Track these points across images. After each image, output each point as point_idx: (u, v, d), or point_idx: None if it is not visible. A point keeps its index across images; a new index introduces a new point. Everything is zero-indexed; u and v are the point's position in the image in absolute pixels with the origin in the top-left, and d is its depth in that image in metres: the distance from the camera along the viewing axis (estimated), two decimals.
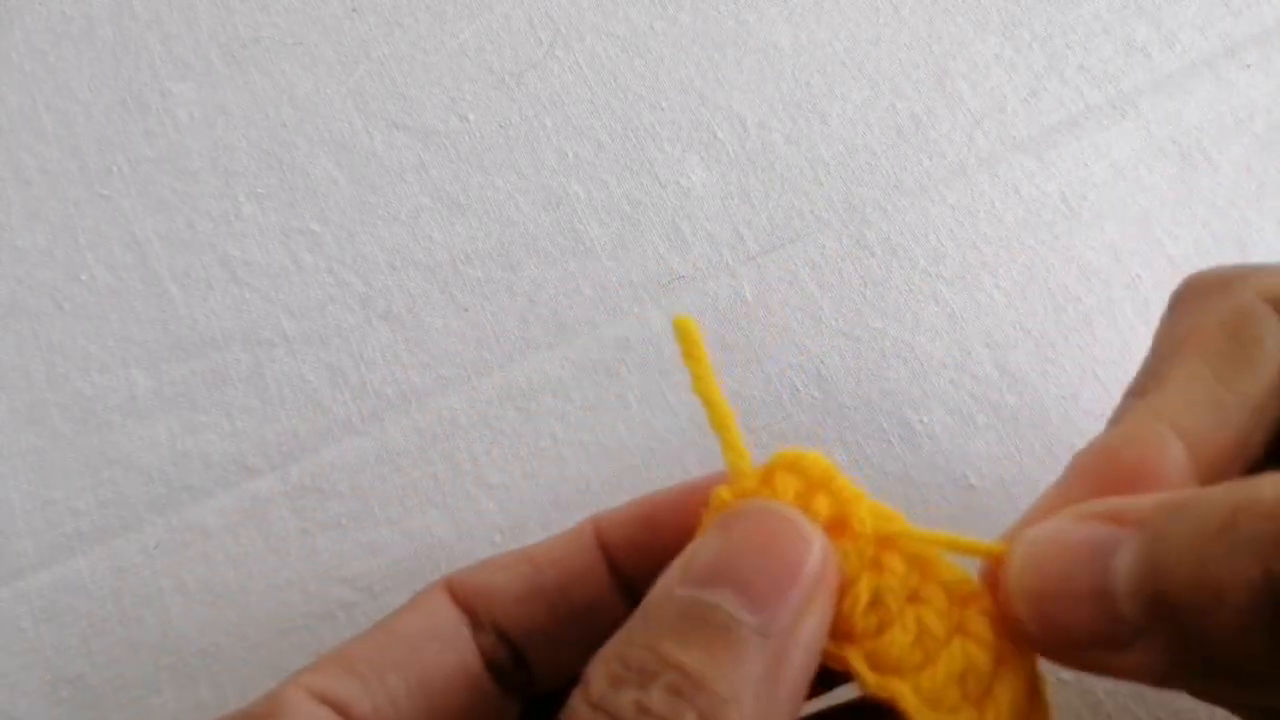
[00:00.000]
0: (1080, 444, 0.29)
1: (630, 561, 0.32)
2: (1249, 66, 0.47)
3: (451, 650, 0.30)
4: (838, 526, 0.28)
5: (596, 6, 0.50)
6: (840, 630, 0.28)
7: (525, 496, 0.42)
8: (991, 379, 0.42)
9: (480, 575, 0.32)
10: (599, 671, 0.25)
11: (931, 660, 0.28)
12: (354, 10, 0.50)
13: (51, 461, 0.43)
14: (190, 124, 0.48)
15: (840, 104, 0.47)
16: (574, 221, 0.46)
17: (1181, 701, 0.37)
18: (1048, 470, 0.40)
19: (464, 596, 0.32)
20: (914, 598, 0.28)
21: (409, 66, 0.49)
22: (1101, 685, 0.37)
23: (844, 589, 0.28)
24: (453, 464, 0.42)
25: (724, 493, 0.29)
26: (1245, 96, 0.46)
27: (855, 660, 0.28)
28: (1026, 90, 0.47)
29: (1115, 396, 0.31)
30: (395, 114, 0.48)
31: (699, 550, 0.27)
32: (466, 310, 0.45)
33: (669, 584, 0.26)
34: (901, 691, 0.27)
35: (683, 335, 0.30)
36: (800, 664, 0.25)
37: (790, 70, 0.48)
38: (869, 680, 0.27)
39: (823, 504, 0.28)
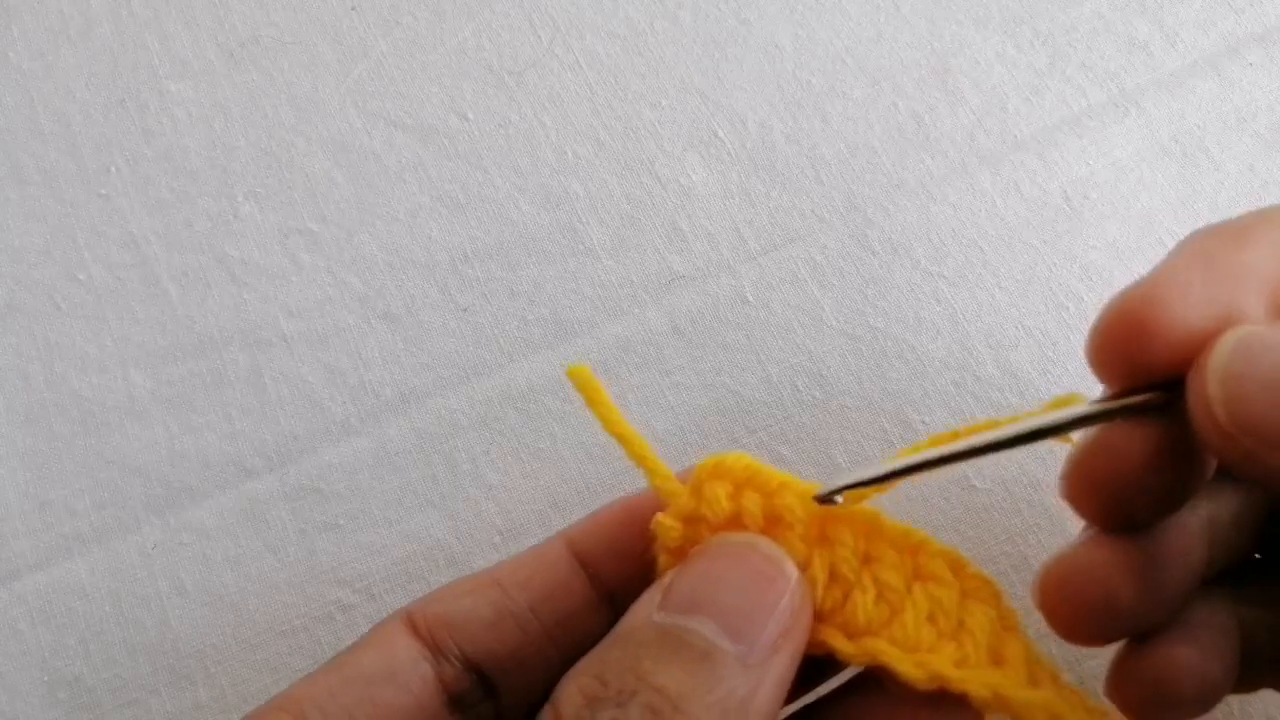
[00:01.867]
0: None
1: (614, 570, 0.32)
2: (1252, 65, 0.46)
3: (407, 690, 0.30)
4: (776, 519, 0.29)
5: (596, 5, 0.49)
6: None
7: (525, 497, 0.41)
8: (993, 379, 0.42)
9: (443, 604, 0.32)
10: (570, 692, 0.25)
11: (898, 611, 0.29)
12: (353, 9, 0.50)
13: (49, 462, 0.43)
14: (188, 123, 0.48)
15: (841, 102, 0.47)
16: (574, 221, 0.46)
17: None
18: (1050, 470, 0.40)
19: (426, 628, 0.31)
20: (866, 560, 0.29)
21: (408, 65, 0.49)
22: (1098, 681, 0.37)
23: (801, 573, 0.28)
24: (452, 465, 0.42)
25: (664, 519, 0.29)
26: (1248, 95, 0.46)
27: (829, 637, 0.28)
28: (1028, 88, 0.47)
29: None
30: (394, 113, 0.48)
31: (679, 579, 0.27)
32: (466, 310, 0.44)
33: (646, 609, 0.27)
34: (878, 647, 0.28)
35: (581, 384, 0.31)
36: (773, 694, 0.26)
37: (791, 69, 0.48)
38: (847, 649, 0.28)
39: (753, 501, 0.29)
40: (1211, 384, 0.24)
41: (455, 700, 0.31)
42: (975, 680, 0.27)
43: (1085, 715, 0.28)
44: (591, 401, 0.31)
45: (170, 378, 0.44)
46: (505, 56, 0.49)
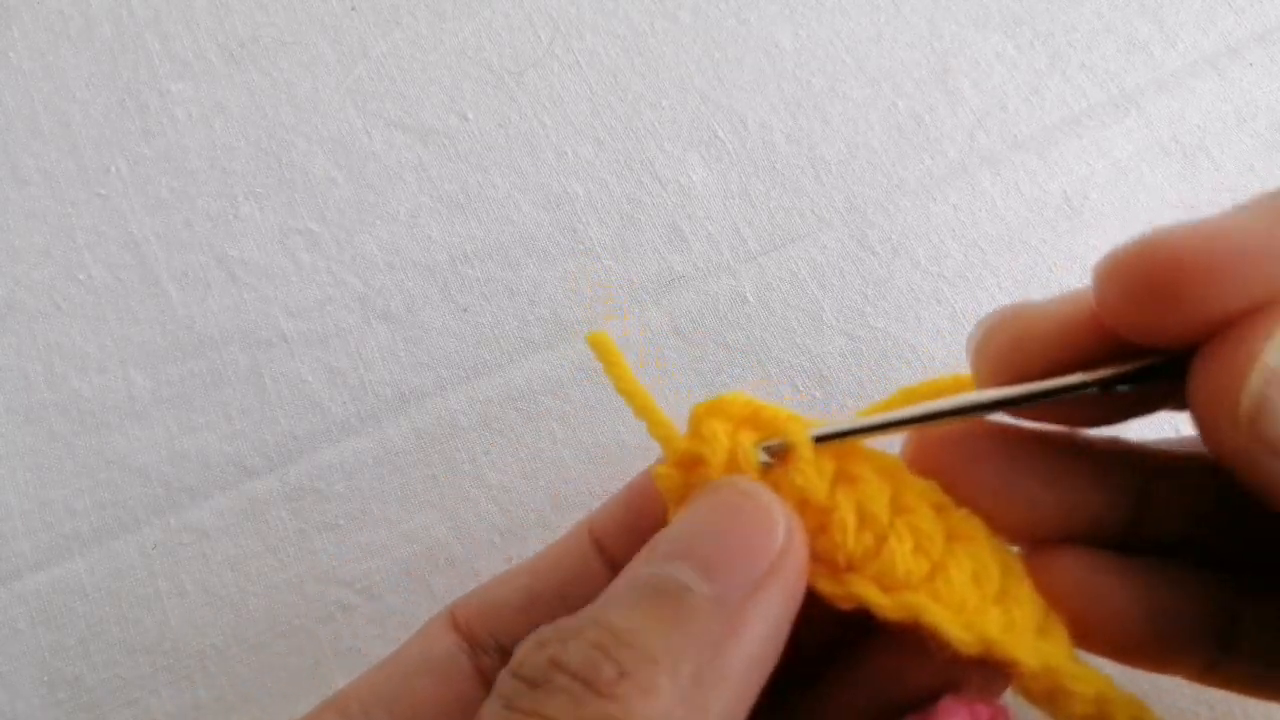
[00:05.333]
0: None
1: (626, 549, 0.31)
2: (1252, 65, 0.46)
3: (445, 681, 0.30)
4: (784, 458, 0.27)
5: (597, 5, 0.49)
6: (838, 564, 0.26)
7: (525, 497, 0.41)
8: None
9: (480, 596, 0.32)
10: (524, 642, 0.25)
11: (941, 566, 0.26)
12: (353, 9, 0.50)
13: (49, 462, 0.43)
14: (188, 123, 0.48)
15: (841, 103, 0.47)
16: (574, 221, 0.46)
17: (1180, 693, 0.37)
18: None
19: (465, 619, 0.32)
20: (897, 507, 0.27)
21: (408, 65, 0.49)
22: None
23: (825, 517, 0.26)
24: (452, 465, 0.42)
25: (660, 468, 0.28)
26: (1248, 95, 0.46)
27: (863, 588, 0.26)
28: (1028, 88, 0.47)
29: None
30: (394, 113, 0.48)
31: (664, 531, 0.26)
32: (466, 310, 0.44)
33: (634, 565, 0.26)
34: (921, 603, 0.25)
35: (600, 350, 0.30)
36: (757, 640, 0.24)
37: (791, 69, 0.48)
38: (882, 604, 0.25)
39: (751, 439, 0.27)
40: (1255, 380, 0.21)
41: None
42: (1026, 648, 0.25)
43: (1124, 700, 0.26)
44: (609, 365, 0.30)
45: (170, 378, 0.44)
46: (505, 56, 0.49)
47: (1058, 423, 0.28)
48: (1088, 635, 0.27)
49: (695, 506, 0.27)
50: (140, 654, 0.40)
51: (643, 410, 0.29)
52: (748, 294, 0.44)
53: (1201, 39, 0.47)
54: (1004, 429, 0.28)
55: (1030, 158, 0.45)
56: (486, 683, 0.31)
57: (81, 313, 0.45)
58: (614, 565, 0.32)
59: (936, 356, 0.42)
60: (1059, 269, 0.43)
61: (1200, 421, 0.23)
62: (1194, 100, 0.46)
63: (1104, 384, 0.25)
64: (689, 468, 0.28)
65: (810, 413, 0.42)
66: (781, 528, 0.25)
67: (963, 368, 0.43)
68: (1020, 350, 0.26)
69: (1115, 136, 0.46)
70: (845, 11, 0.49)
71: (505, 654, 0.31)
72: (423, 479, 0.42)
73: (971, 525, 0.27)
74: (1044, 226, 0.44)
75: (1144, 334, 0.24)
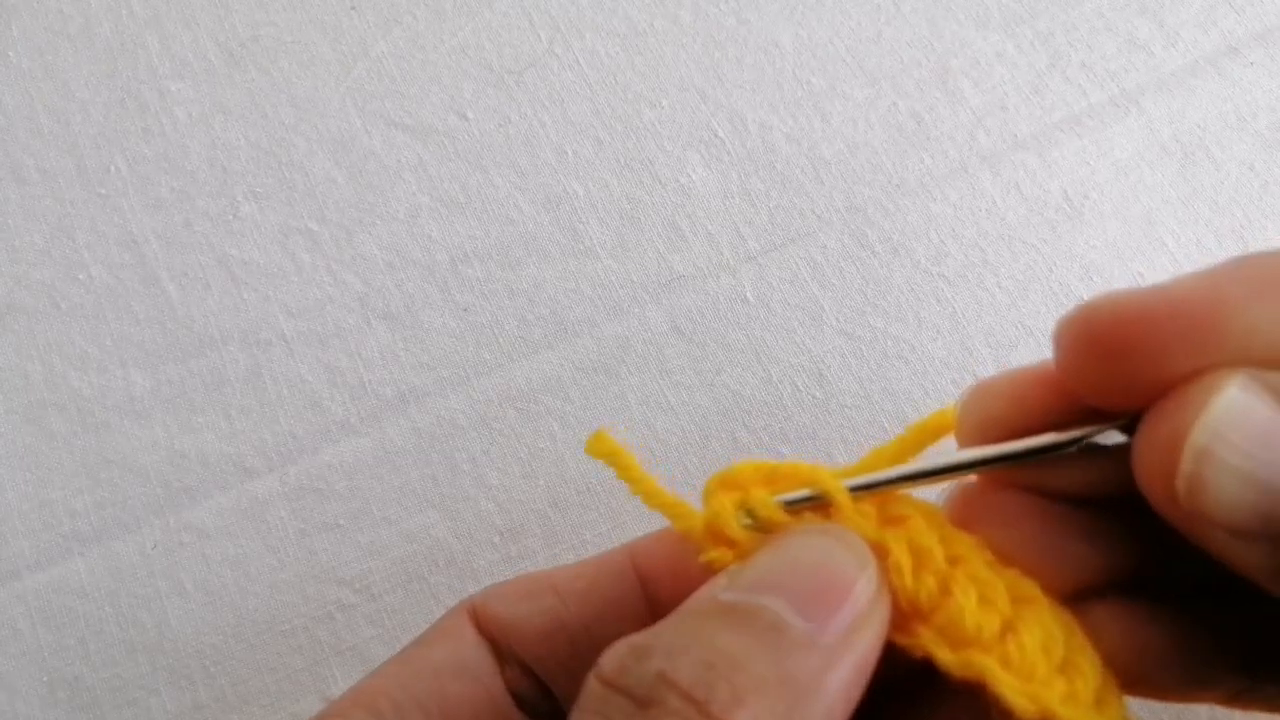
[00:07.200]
0: None
1: (673, 590, 0.30)
2: (1252, 64, 0.46)
3: (476, 682, 0.30)
4: (822, 510, 0.27)
5: (596, 4, 0.49)
6: (902, 610, 0.26)
7: (524, 497, 0.41)
8: None
9: (503, 607, 0.31)
10: (616, 647, 0.24)
11: (1013, 629, 0.25)
12: (352, 8, 0.50)
13: (49, 462, 0.43)
14: (188, 123, 0.48)
15: (841, 102, 0.47)
16: (574, 221, 0.46)
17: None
18: None
19: (487, 627, 0.31)
20: (950, 556, 0.26)
21: (408, 64, 0.49)
22: None
23: (879, 560, 0.26)
24: (451, 465, 0.42)
25: (709, 555, 0.27)
26: (1248, 95, 0.46)
27: (929, 642, 0.25)
28: (1028, 88, 0.47)
29: None
30: (394, 112, 0.48)
31: (748, 564, 0.26)
32: (466, 310, 0.44)
33: (712, 590, 0.25)
34: (988, 666, 0.24)
35: (606, 454, 0.29)
36: (848, 681, 0.24)
37: (791, 68, 0.48)
38: (949, 661, 0.25)
39: (763, 500, 0.27)
40: (1188, 458, 0.22)
41: (518, 699, 0.31)
42: None
43: None
44: (618, 467, 0.30)
45: (170, 377, 0.44)
46: (505, 56, 0.49)
47: (1040, 491, 0.27)
48: (1123, 683, 0.27)
49: (782, 543, 0.26)
50: (140, 654, 0.40)
51: (661, 505, 0.29)
52: (748, 294, 0.44)
53: (1202, 38, 0.47)
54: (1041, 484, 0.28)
55: (1030, 157, 0.45)
56: (511, 691, 0.30)
57: (81, 312, 0.45)
58: (657, 602, 0.31)
59: (936, 356, 0.42)
60: (1059, 269, 0.43)
61: (1144, 490, 0.24)
62: (1194, 100, 0.46)
63: (1074, 444, 0.25)
64: (722, 541, 0.28)
65: (810, 413, 0.42)
66: (873, 571, 0.25)
67: (961, 368, 0.43)
68: (993, 424, 0.27)
69: (1115, 136, 0.46)
70: (845, 11, 0.49)
71: (527, 670, 0.31)
72: (423, 479, 0.42)
73: (1029, 586, 0.26)
74: (1044, 226, 0.44)
75: (1098, 394, 0.24)
